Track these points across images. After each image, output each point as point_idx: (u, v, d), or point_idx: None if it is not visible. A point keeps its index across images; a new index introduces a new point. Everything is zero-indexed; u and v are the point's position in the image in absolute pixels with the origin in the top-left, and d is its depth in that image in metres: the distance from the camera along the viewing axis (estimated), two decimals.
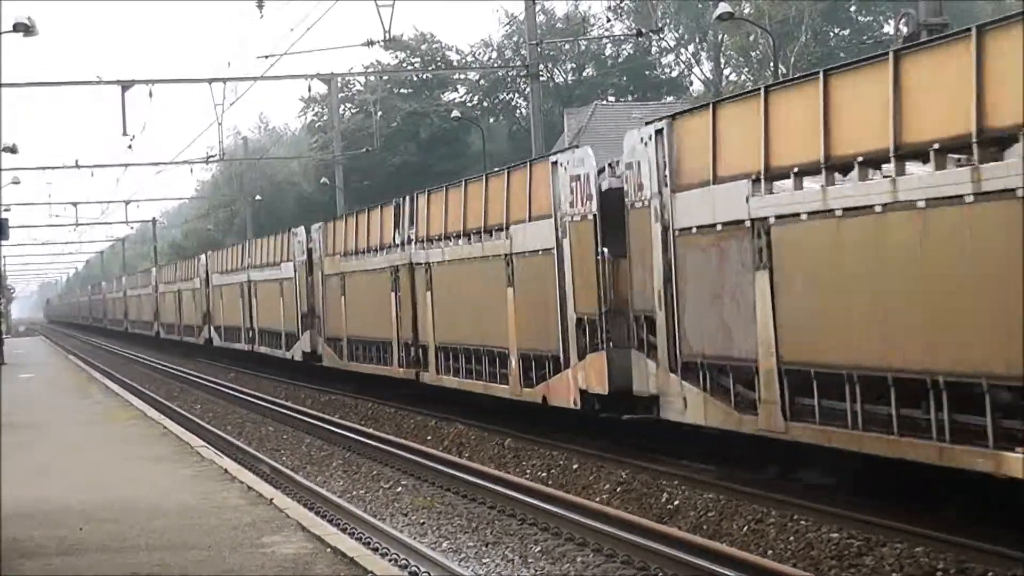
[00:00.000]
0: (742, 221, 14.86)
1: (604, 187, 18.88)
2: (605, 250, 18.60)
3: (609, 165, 19.02)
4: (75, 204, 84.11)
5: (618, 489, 17.13)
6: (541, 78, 48.31)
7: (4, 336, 60.00)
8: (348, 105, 78.89)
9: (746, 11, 57.26)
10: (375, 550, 13.53)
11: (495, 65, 77.69)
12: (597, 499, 16.73)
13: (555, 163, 20.30)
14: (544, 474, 19.23)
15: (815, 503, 14.32)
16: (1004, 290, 10.92)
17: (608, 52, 79.63)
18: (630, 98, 75.55)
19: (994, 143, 11.17)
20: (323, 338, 35.40)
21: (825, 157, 13.27)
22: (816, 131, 13.39)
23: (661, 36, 67.69)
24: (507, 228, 22.23)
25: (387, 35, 34.72)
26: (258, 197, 79.61)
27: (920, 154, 12.06)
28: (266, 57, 45.38)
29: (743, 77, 66.08)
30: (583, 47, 77.17)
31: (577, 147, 20.17)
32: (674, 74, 79.33)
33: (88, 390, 36.91)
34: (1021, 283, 10.70)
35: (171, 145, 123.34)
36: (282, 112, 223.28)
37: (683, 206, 16.41)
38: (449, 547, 14.92)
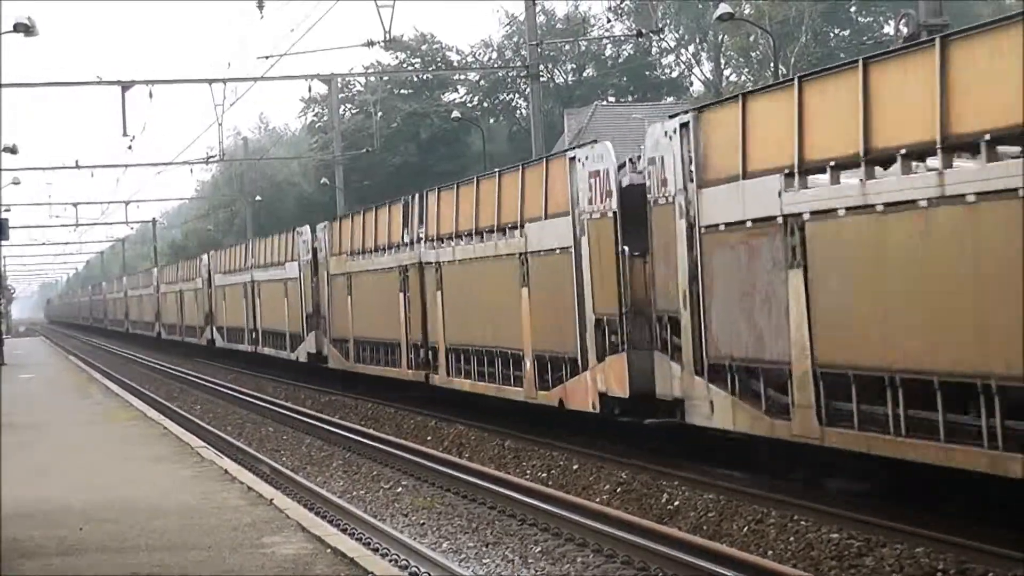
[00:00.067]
0: (774, 217, 14.18)
1: (625, 183, 18.18)
2: (626, 248, 18.01)
3: (630, 160, 18.38)
4: (75, 204, 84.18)
5: (618, 490, 17.10)
6: (541, 78, 48.27)
7: (4, 336, 60.00)
8: (348, 105, 78.91)
9: (746, 12, 57.28)
10: (375, 550, 13.52)
11: (495, 66, 77.72)
12: (597, 500, 16.70)
13: (573, 159, 19.55)
14: (544, 475, 19.19)
15: (815, 503, 14.31)
16: None
17: (608, 53, 79.65)
18: (630, 98, 75.58)
19: None
20: (328, 339, 34.66)
21: (865, 150, 12.61)
22: (855, 123, 12.73)
23: (661, 37, 67.70)
24: (522, 226, 21.55)
25: (387, 36, 34.69)
26: (258, 197, 79.58)
27: (968, 146, 11.46)
28: (266, 57, 45.44)
29: (743, 78, 66.08)
30: (583, 47, 77.19)
31: (596, 142, 19.36)
32: (674, 75, 79.37)
33: (88, 390, 36.89)
34: None
35: (171, 145, 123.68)
36: (282, 112, 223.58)
37: (710, 202, 15.70)
38: (449, 547, 14.90)
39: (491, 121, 78.67)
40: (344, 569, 11.28)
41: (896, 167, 12.32)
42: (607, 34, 72.05)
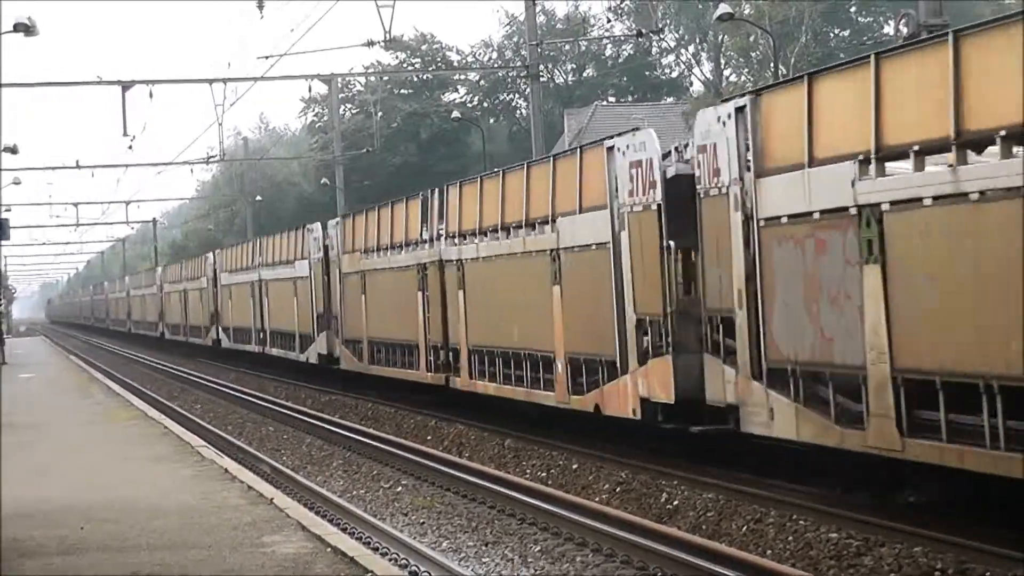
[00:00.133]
0: (846, 208, 12.87)
1: (670, 173, 16.83)
2: (671, 243, 16.62)
3: (676, 149, 17.09)
4: (76, 204, 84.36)
5: (618, 489, 17.07)
6: (541, 79, 48.24)
7: (5, 336, 60.00)
8: (348, 105, 78.89)
9: (746, 12, 57.18)
10: (375, 550, 13.50)
11: (495, 66, 77.70)
12: (597, 499, 16.67)
13: (611, 148, 18.12)
14: (544, 474, 19.16)
15: (814, 503, 14.30)
16: None
17: (608, 53, 79.62)
18: (630, 98, 75.55)
19: None
20: (341, 340, 33.13)
21: (956, 132, 11.36)
22: (943, 103, 11.51)
23: (661, 37, 67.61)
24: (553, 221, 20.16)
25: (387, 35, 34.63)
26: (258, 197, 79.64)
27: None
28: (266, 57, 45.44)
29: (743, 78, 66.01)
30: (583, 48, 77.14)
31: (637, 130, 17.94)
32: (674, 75, 79.28)
33: (89, 390, 36.96)
34: None
35: (171, 145, 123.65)
36: (282, 112, 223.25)
37: (770, 193, 14.38)
38: (449, 547, 14.88)
39: (491, 121, 78.64)
40: (344, 568, 11.25)
41: (993, 151, 11.11)
42: (607, 34, 72.04)
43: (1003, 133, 10.93)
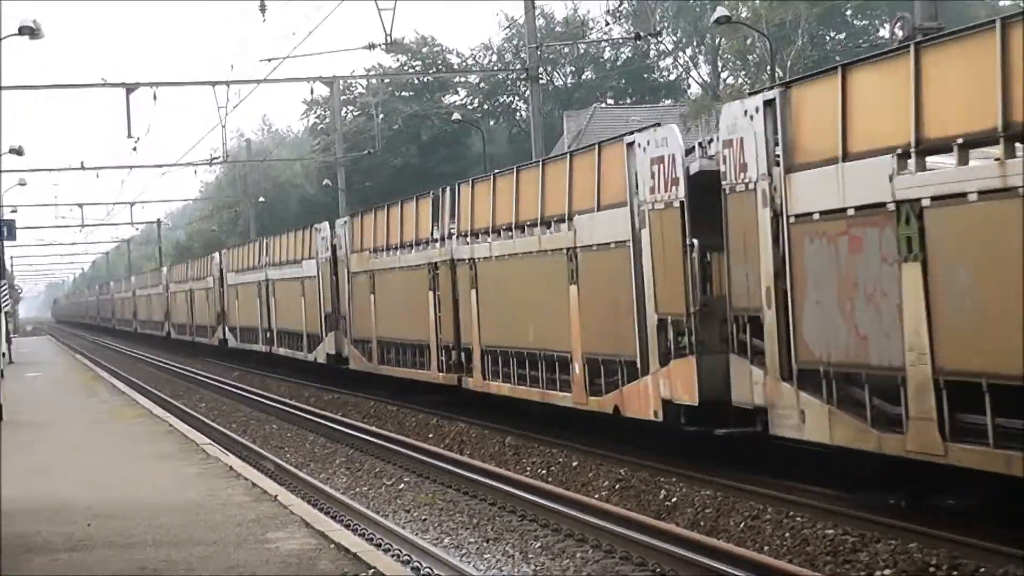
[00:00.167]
0: (883, 204, 12.22)
1: (694, 169, 16.19)
2: (695, 241, 16.01)
3: (699, 144, 16.44)
4: (81, 205, 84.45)
5: (617, 486, 17.07)
6: (541, 81, 48.18)
7: (12, 335, 60.00)
8: (350, 108, 78.89)
9: (743, 15, 57.16)
10: (378, 546, 13.56)
11: (495, 68, 77.63)
12: (596, 496, 16.70)
13: (631, 144, 17.50)
14: (544, 471, 19.16)
15: (810, 500, 14.31)
16: None
17: (607, 55, 79.61)
18: (628, 101, 75.46)
19: None
20: (349, 340, 32.53)
21: (1004, 124, 10.78)
22: (990, 94, 10.92)
23: (659, 40, 67.69)
24: (570, 219, 19.48)
25: (388, 38, 34.64)
26: (261, 199, 79.69)
27: None
28: (269, 60, 45.47)
29: (740, 80, 66.00)
30: (582, 50, 77.03)
31: (659, 125, 17.34)
32: (672, 77, 79.18)
33: (95, 389, 37.02)
34: None
35: (175, 147, 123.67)
36: (285, 115, 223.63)
37: (801, 188, 13.73)
38: (451, 543, 14.91)
39: (491, 123, 78.59)
40: (347, 564, 11.26)
41: None
42: (605, 37, 72.04)
43: None
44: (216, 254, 54.21)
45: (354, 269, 32.04)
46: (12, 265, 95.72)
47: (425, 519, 16.53)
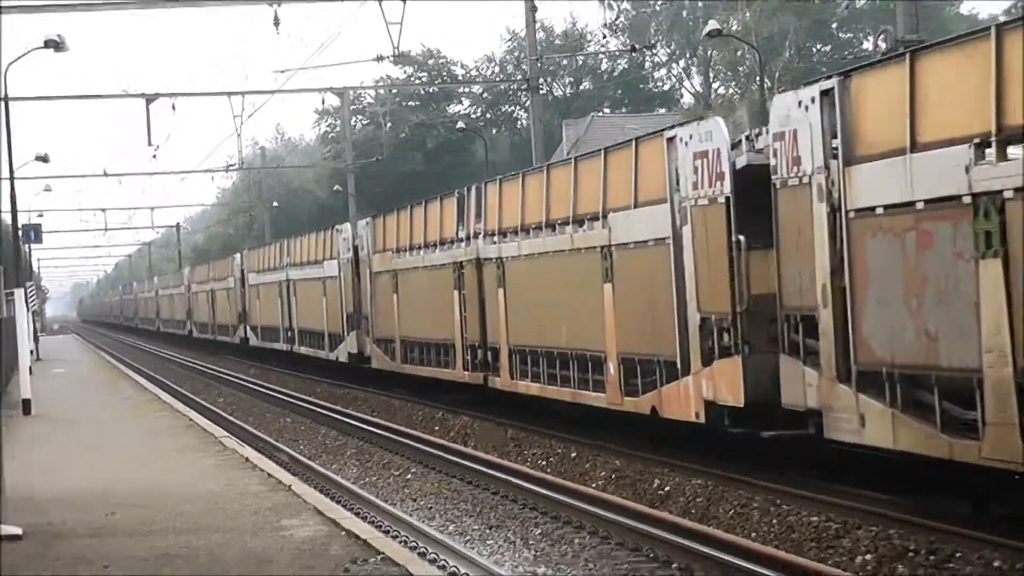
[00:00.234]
0: (958, 197, 11.10)
1: (740, 164, 15.12)
2: (741, 238, 14.88)
3: (746, 138, 15.35)
4: (104, 210, 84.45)
5: (613, 476, 17.12)
6: (541, 91, 48.17)
7: (39, 334, 60.06)
8: (359, 117, 78.84)
9: (734, 28, 57.20)
10: (386, 532, 13.58)
11: (497, 79, 77.61)
12: (593, 485, 16.74)
13: (672, 139, 16.38)
14: (544, 462, 19.22)
15: (797, 489, 14.32)
16: None
17: (604, 67, 79.62)
18: (624, 110, 75.47)
19: None
20: (371, 339, 31.63)
21: None
22: None
23: (654, 52, 67.70)
24: (604, 217, 18.36)
25: (396, 51, 34.64)
26: (275, 203, 79.70)
27: None
28: (282, 72, 45.52)
29: (731, 90, 66.06)
30: (580, 62, 77.03)
31: (703, 118, 16.36)
32: (666, 87, 79.10)
33: (118, 385, 36.97)
34: None
35: (193, 154, 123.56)
36: (298, 123, 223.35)
37: (862, 181, 12.59)
38: (455, 530, 14.97)
39: (493, 131, 78.50)
40: (357, 550, 11.30)
41: None
42: (603, 49, 72.05)
43: None
44: (237, 255, 53.57)
45: (376, 269, 31.25)
46: (39, 267, 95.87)
47: (431, 507, 16.59)
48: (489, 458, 19.38)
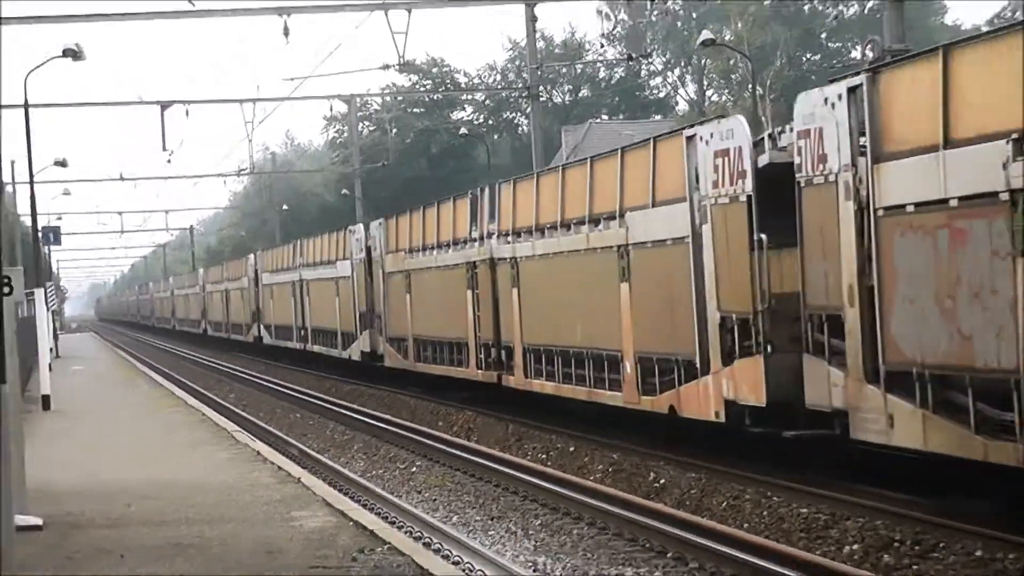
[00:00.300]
0: (995, 194, 10.47)
1: (763, 162, 14.53)
2: (763, 237, 14.24)
3: (769, 136, 14.76)
4: (120, 213, 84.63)
5: (610, 469, 17.12)
6: (541, 99, 48.15)
7: (58, 332, 60.11)
8: (366, 123, 78.82)
9: (727, 38, 57.27)
10: (392, 523, 13.61)
11: (499, 87, 77.65)
12: (591, 478, 16.75)
13: (692, 137, 15.82)
14: (544, 456, 19.21)
15: (788, 482, 14.36)
16: None
17: (602, 75, 79.63)
18: (621, 117, 75.49)
19: None
20: (384, 338, 31.22)
21: None
22: None
23: (650, 60, 67.62)
24: (621, 216, 17.80)
25: (402, 60, 34.63)
26: (285, 206, 79.72)
27: None
28: (292, 79, 45.46)
29: (724, 98, 66.09)
30: (579, 70, 77.09)
31: (723, 117, 15.76)
32: (661, 95, 79.08)
33: (134, 381, 37.02)
34: None
35: (206, 159, 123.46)
36: (306, 129, 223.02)
37: (892, 179, 11.96)
38: (459, 521, 14.98)
39: (495, 137, 78.45)
40: (365, 540, 11.34)
41: None
42: (600, 58, 72.06)
43: None
44: (251, 256, 53.30)
45: (389, 269, 30.81)
46: (58, 268, 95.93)
47: (435, 499, 16.60)
48: (491, 452, 19.39)
